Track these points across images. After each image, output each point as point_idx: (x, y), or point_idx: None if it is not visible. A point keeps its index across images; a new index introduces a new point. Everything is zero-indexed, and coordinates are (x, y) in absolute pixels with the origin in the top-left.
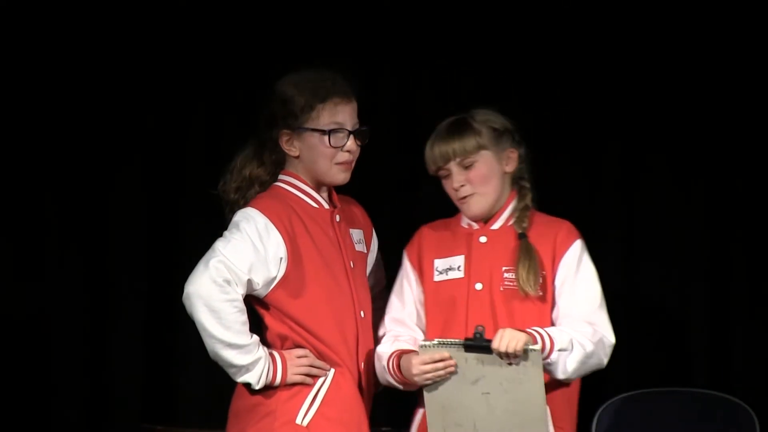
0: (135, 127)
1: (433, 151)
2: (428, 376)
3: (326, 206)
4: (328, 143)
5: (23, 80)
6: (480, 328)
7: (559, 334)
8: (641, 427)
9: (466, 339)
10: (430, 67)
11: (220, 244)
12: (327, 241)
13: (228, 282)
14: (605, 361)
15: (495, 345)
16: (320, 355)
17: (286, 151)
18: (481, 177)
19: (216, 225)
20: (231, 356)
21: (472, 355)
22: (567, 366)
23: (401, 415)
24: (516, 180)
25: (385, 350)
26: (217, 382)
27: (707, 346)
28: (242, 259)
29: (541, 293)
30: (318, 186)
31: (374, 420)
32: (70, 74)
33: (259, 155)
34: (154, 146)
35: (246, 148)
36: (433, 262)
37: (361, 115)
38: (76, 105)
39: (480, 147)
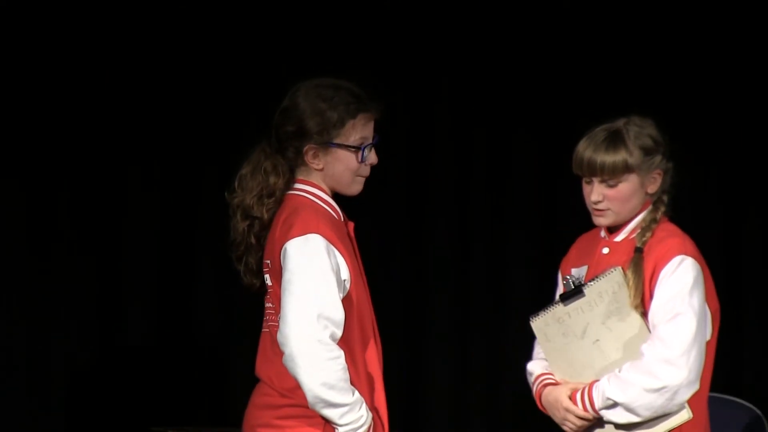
0: (149, 131)
1: (583, 158)
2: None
3: (342, 219)
4: (357, 159)
5: (42, 91)
6: (570, 278)
7: (599, 391)
8: None
9: (561, 294)
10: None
11: (311, 294)
12: (353, 255)
13: (331, 336)
14: (662, 384)
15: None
16: (354, 368)
17: (310, 164)
18: (621, 198)
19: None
20: (334, 416)
21: (571, 307)
22: (624, 418)
23: (413, 419)
24: (655, 193)
25: (534, 369)
26: (227, 384)
27: (718, 349)
28: (334, 304)
29: (641, 309)
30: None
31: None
32: (83, 82)
33: (276, 165)
34: (169, 150)
35: (258, 155)
36: (570, 271)
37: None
38: (88, 110)
39: (628, 170)
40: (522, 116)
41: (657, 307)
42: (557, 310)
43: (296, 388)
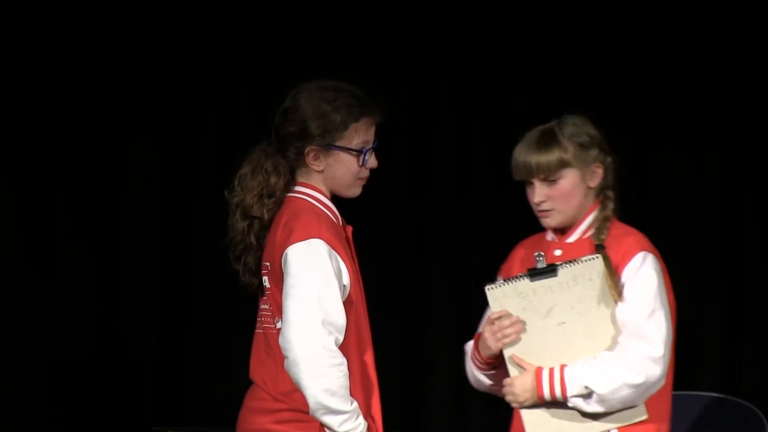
0: (148, 129)
1: (518, 161)
2: (498, 335)
3: (340, 222)
4: (358, 162)
5: (43, 83)
6: (539, 254)
7: (575, 378)
8: None
9: (530, 269)
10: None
11: (315, 300)
12: (352, 259)
13: (335, 342)
14: (643, 380)
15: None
16: (351, 374)
17: (310, 165)
18: (563, 194)
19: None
20: (334, 423)
21: (538, 284)
22: (592, 408)
23: (412, 420)
24: (600, 190)
25: (468, 345)
26: (227, 384)
27: (717, 348)
28: (338, 309)
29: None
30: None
31: (385, 424)
32: (82, 78)
33: (277, 165)
34: (167, 149)
35: (259, 155)
36: None
37: None
38: (87, 107)
39: (564, 164)
40: (521, 116)
41: (630, 302)
42: (521, 284)
43: (291, 392)
